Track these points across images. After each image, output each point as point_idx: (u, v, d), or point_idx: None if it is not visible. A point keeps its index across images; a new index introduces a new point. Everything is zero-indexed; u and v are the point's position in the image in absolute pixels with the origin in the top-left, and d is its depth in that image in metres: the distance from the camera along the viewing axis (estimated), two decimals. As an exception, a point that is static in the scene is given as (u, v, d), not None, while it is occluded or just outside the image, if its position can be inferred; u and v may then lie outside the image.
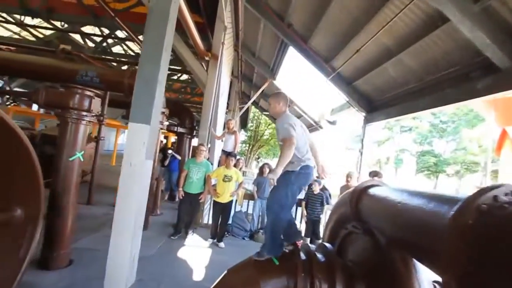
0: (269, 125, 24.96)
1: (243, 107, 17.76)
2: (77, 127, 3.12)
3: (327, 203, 5.06)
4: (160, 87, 2.45)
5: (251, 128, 26.58)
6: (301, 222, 5.45)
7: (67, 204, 3.11)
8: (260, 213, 5.58)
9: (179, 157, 7.17)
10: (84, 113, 3.14)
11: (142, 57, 2.41)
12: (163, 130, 5.34)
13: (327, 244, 2.04)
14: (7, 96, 13.68)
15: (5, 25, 10.10)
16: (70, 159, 3.09)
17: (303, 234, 5.26)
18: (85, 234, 4.12)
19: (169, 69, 10.43)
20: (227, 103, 10.63)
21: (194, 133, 7.87)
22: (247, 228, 5.48)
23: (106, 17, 7.40)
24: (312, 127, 11.56)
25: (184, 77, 14.32)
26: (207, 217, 6.46)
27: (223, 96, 7.50)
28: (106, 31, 9.89)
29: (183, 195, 4.68)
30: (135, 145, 2.32)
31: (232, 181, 4.70)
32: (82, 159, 3.25)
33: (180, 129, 7.35)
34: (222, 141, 6.11)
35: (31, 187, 1.97)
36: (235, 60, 9.43)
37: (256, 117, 25.76)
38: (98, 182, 6.65)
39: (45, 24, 9.11)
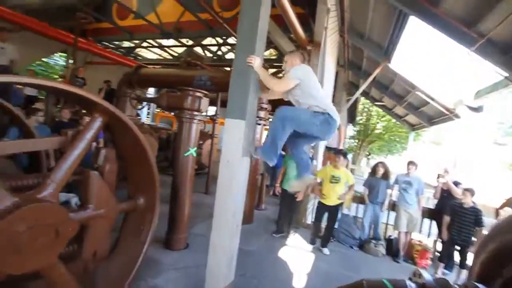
0: (382, 117, 21.85)
1: (350, 99, 16.29)
2: (190, 126, 3.47)
3: (481, 225, 3.75)
4: (255, 79, 2.31)
5: (361, 122, 24.12)
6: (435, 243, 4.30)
7: (184, 194, 3.53)
8: (372, 220, 4.78)
9: (283, 153, 7.16)
10: (196, 113, 3.45)
11: (237, 48, 2.34)
12: (266, 127, 5.41)
13: (480, 286, 1.36)
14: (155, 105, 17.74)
15: (150, 49, 12.98)
16: (185, 154, 3.47)
17: (436, 257, 4.17)
18: (200, 220, 4.64)
19: (274, 66, 10.73)
20: (333, 96, 9.90)
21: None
22: (355, 236, 4.81)
23: (219, 27, 8.33)
24: (443, 116, 9.21)
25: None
26: (311, 217, 6.16)
27: (328, 88, 6.93)
28: (220, 41, 11.17)
29: (281, 192, 4.57)
30: (232, 142, 2.28)
31: (340, 183, 4.18)
32: (195, 155, 3.61)
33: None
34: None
35: (150, 179, 2.24)
36: (341, 47, 8.59)
37: (366, 109, 23.09)
38: (214, 174, 7.51)
39: (176, 43, 11.14)
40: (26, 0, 8.82)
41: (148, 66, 8.98)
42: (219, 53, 12.04)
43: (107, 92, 7.61)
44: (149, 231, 2.22)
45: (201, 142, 7.49)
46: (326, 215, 4.37)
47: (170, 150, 8.52)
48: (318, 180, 4.46)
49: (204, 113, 3.66)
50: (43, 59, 13.71)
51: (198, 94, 3.40)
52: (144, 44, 11.90)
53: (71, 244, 1.76)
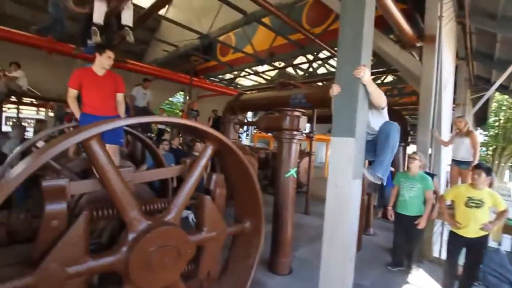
0: None
1: (479, 96, 12.90)
2: (290, 146, 3.43)
3: None
4: (364, 91, 2.05)
5: (496, 124, 18.62)
6: None
7: (286, 215, 3.46)
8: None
9: (392, 169, 6.19)
10: (294, 132, 3.41)
11: (339, 60, 2.15)
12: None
13: None
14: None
15: (248, 77, 14.28)
16: (286, 175, 3.44)
17: None
18: (303, 244, 4.43)
19: (372, 73, 9.82)
20: (454, 97, 8.10)
21: (409, 140, 6.59)
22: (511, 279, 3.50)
23: (309, 45, 8.40)
24: None
25: (388, 79, 12.91)
26: (438, 247, 4.96)
27: (447, 88, 5.68)
28: (311, 57, 11.20)
29: (395, 216, 3.82)
30: (340, 163, 2.05)
31: (483, 208, 3.17)
32: (295, 176, 3.52)
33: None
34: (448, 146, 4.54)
35: (255, 203, 2.26)
36: (460, 36, 7.02)
37: (504, 108, 17.74)
38: (313, 192, 7.21)
39: (270, 67, 11.87)
40: (156, 55, 11.42)
41: (247, 92, 9.84)
42: (310, 69, 12.05)
43: (215, 120, 8.71)
44: (256, 255, 2.22)
45: (298, 160, 7.39)
46: (464, 250, 3.36)
47: (270, 169, 8.83)
48: (448, 202, 3.54)
49: (302, 132, 3.58)
50: (169, 98, 17.26)
51: (296, 113, 3.36)
52: (242, 73, 13.23)
53: (189, 264, 1.92)
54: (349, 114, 2.03)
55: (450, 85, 6.43)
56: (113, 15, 4.27)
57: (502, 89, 10.88)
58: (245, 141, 19.98)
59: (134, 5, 4.55)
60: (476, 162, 3.91)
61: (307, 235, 4.82)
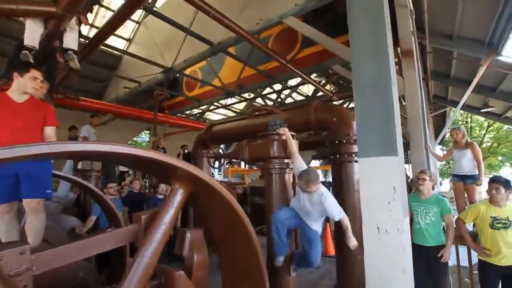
0: (488, 127, 17.61)
1: (437, 114, 13.76)
2: (282, 177, 2.81)
3: None
4: (396, 91, 1.54)
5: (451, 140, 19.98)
6: None
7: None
8: None
9: None
10: (286, 160, 2.80)
11: (354, 58, 1.65)
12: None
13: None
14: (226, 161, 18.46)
15: (216, 111, 13.90)
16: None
17: None
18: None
19: (347, 97, 9.88)
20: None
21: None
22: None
23: (278, 74, 8.29)
24: None
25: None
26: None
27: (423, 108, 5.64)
28: (279, 87, 11.21)
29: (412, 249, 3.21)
30: (379, 193, 1.44)
31: (514, 228, 2.70)
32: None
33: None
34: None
35: (252, 262, 1.52)
36: (419, 56, 7.37)
37: (462, 122, 19.19)
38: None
39: (239, 99, 11.62)
40: (118, 93, 10.60)
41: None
42: (279, 100, 12.04)
43: (184, 156, 7.85)
44: None
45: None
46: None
47: (248, 206, 8.05)
48: (470, 227, 3.05)
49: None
50: (133, 139, 16.01)
51: (284, 136, 2.78)
52: (211, 107, 12.80)
53: None
54: (383, 123, 1.48)
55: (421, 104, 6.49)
56: (54, 39, 3.55)
57: (456, 105, 11.68)
58: (218, 177, 18.91)
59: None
60: (482, 175, 3.57)
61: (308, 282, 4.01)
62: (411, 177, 4.74)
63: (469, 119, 18.15)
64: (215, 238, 1.59)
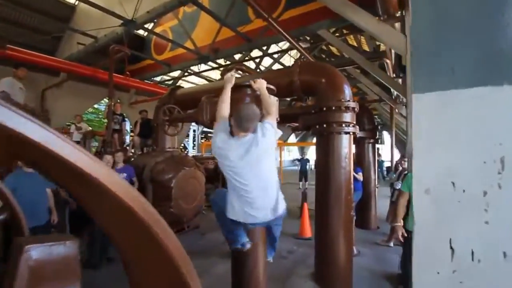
0: None
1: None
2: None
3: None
4: None
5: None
6: None
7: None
8: None
9: (359, 177, 5.05)
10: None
11: None
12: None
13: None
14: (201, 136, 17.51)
15: (189, 79, 12.69)
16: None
17: None
18: None
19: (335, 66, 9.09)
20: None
21: (377, 137, 5.90)
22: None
23: (258, 38, 7.33)
24: None
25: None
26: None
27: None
28: (259, 54, 10.22)
29: (406, 236, 2.72)
30: (462, 174, 0.74)
31: None
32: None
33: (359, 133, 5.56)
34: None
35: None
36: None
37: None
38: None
39: (214, 65, 10.52)
40: (72, 50, 9.06)
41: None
42: (258, 70, 11.08)
43: (143, 123, 6.81)
44: None
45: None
46: None
47: (220, 181, 7.40)
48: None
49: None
50: (95, 105, 14.41)
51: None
52: (181, 74, 11.60)
53: None
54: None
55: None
56: None
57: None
58: (192, 151, 17.98)
59: None
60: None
61: (282, 269, 3.49)
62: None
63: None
64: (121, 254, 0.84)
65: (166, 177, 4.30)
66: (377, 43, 9.08)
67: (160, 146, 4.86)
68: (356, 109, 3.06)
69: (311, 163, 12.83)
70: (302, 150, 30.44)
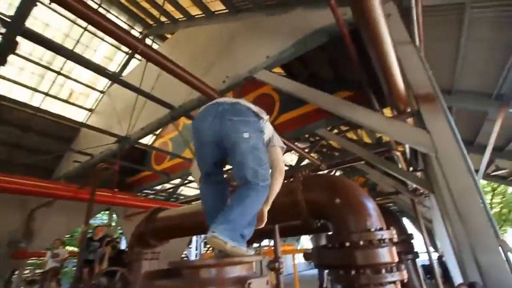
0: (493, 191, 16.02)
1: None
2: None
3: None
4: None
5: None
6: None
7: None
8: None
9: None
10: None
11: None
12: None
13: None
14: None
15: (190, 185, 12.15)
16: None
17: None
18: None
19: (337, 165, 8.45)
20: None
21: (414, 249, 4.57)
22: None
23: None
24: None
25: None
26: None
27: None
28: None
29: None
30: None
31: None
32: None
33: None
34: None
35: None
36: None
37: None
38: None
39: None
40: (69, 168, 8.91)
41: (182, 204, 7.46)
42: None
43: (113, 259, 5.03)
44: None
45: None
46: None
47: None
48: None
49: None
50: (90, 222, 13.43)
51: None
52: (181, 182, 11.20)
53: None
54: None
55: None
56: None
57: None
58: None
59: None
60: None
61: None
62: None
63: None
64: None
65: None
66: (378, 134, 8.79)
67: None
68: (394, 239, 2.07)
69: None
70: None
